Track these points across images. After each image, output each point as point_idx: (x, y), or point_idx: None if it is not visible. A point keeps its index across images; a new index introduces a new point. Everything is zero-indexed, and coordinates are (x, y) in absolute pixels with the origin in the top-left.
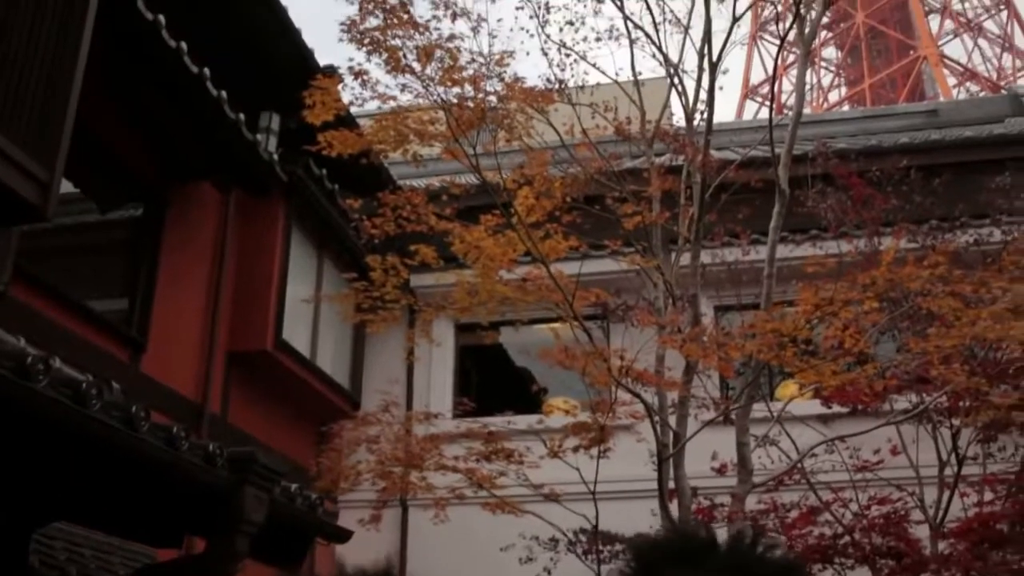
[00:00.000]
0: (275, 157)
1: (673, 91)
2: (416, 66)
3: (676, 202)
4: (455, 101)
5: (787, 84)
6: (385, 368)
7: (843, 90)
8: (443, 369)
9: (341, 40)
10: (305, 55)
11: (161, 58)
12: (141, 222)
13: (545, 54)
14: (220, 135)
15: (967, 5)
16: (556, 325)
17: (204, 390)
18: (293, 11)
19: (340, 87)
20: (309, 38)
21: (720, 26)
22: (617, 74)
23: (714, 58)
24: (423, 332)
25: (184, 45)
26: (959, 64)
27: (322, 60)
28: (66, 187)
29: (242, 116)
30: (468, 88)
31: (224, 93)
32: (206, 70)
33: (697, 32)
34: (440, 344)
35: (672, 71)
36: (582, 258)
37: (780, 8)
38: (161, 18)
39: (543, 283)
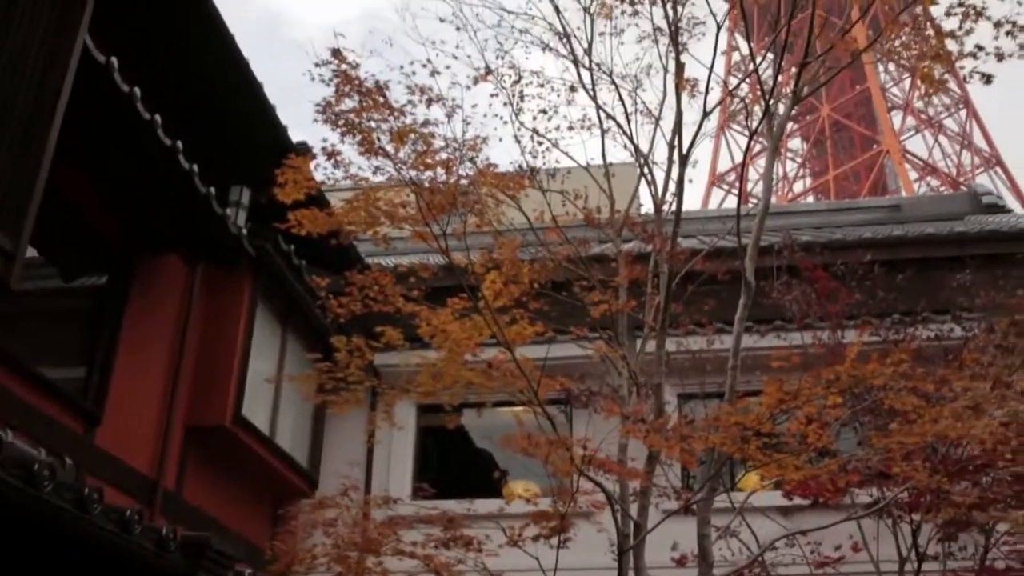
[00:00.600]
0: (244, 231)
1: (642, 180)
2: (389, 148)
3: (643, 291)
4: (427, 185)
5: (754, 172)
6: (345, 448)
7: (808, 181)
8: (403, 451)
9: (316, 120)
10: (279, 132)
11: (135, 129)
12: (104, 291)
13: (518, 141)
14: (190, 208)
15: (928, 103)
16: (519, 409)
17: (160, 465)
18: (269, 86)
19: (313, 165)
20: (284, 113)
21: (691, 118)
22: (588, 164)
23: (684, 150)
24: (385, 414)
25: (158, 118)
26: (920, 159)
27: (297, 135)
28: (29, 252)
29: (212, 190)
30: (440, 172)
31: (196, 166)
32: (179, 143)
33: (668, 123)
34: (402, 427)
35: (642, 161)
36: (548, 342)
37: (749, 103)
38: (137, 90)
39: (508, 369)
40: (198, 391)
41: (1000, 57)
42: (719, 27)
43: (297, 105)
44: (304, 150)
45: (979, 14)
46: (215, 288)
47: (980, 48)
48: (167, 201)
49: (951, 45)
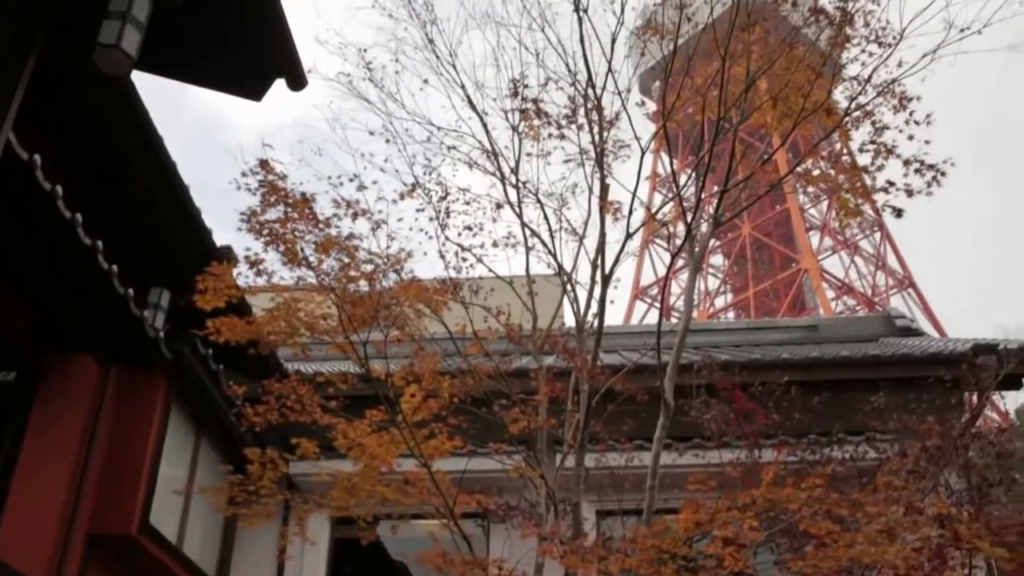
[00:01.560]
0: (161, 335)
1: (565, 298)
2: (313, 260)
3: (563, 408)
4: (349, 297)
5: (676, 287)
6: (256, 561)
7: (729, 296)
8: (316, 566)
9: (240, 229)
10: (203, 236)
11: (55, 227)
12: (11, 389)
13: (442, 256)
14: (106, 309)
15: (845, 225)
16: (436, 524)
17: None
18: (199, 188)
19: (236, 271)
20: (213, 214)
21: (616, 236)
22: (512, 279)
23: (606, 271)
24: (297, 528)
25: (79, 216)
26: (837, 279)
27: (226, 236)
28: None
29: (131, 291)
30: (363, 284)
31: (115, 267)
32: (99, 243)
33: (592, 241)
34: (315, 542)
35: (565, 278)
36: (468, 455)
37: (671, 223)
38: (59, 188)
39: (424, 485)
40: (104, 498)
41: (910, 193)
42: (643, 152)
43: (227, 203)
44: (228, 255)
45: (890, 152)
46: (128, 391)
47: (891, 184)
48: (83, 300)
49: (866, 178)
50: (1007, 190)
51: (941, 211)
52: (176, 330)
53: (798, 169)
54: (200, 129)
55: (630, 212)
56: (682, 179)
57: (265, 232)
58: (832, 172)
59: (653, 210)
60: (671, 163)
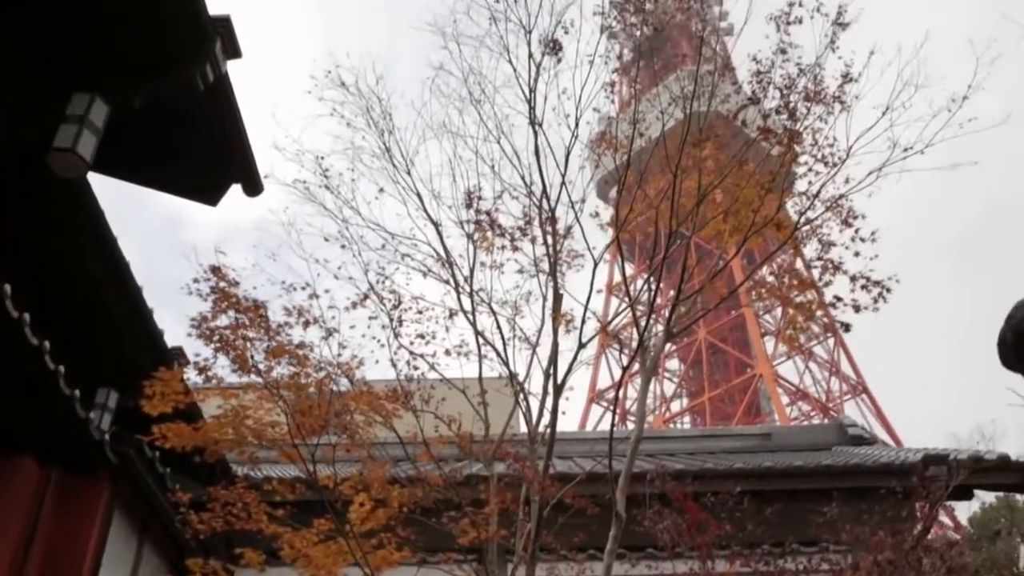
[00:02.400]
0: (106, 437)
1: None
2: (263, 367)
3: (514, 517)
4: (299, 406)
5: (633, 390)
6: None
7: (685, 401)
8: None
9: (190, 335)
10: (155, 338)
11: (1, 328)
12: None
13: (394, 365)
14: (51, 409)
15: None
16: None
17: None
18: (154, 285)
19: (185, 371)
20: (167, 312)
21: (570, 344)
22: (465, 388)
23: (559, 380)
24: None
25: (27, 316)
26: (792, 385)
27: (178, 334)
28: None
29: (77, 392)
30: (313, 392)
31: (62, 367)
32: (46, 343)
33: (545, 350)
34: None
35: (518, 388)
36: (417, 566)
37: (625, 337)
38: (8, 287)
39: None
40: None
41: (856, 308)
42: (596, 263)
43: (184, 299)
44: (179, 357)
45: (837, 268)
46: (69, 494)
47: (839, 299)
48: (27, 401)
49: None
50: (977, 296)
51: (905, 316)
52: (122, 432)
53: (753, 277)
54: (162, 222)
55: (582, 323)
56: (639, 284)
57: (215, 338)
58: (785, 282)
59: (609, 316)
60: (623, 273)
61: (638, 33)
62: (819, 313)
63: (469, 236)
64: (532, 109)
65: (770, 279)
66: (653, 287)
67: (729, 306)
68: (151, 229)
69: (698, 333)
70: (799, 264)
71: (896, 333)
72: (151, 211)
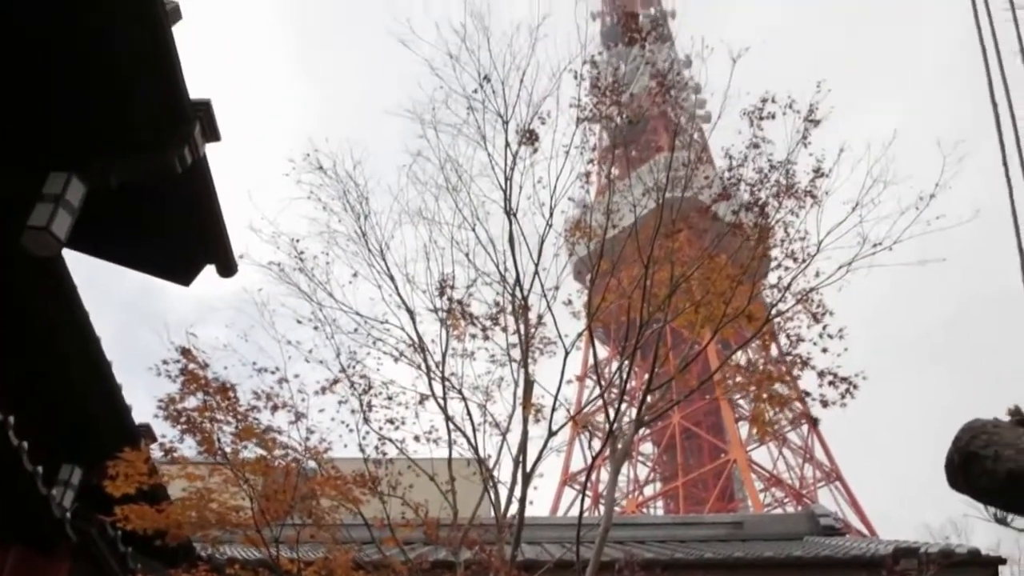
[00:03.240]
0: (68, 515)
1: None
2: (229, 450)
3: None
4: (265, 490)
5: (605, 473)
6: None
7: (658, 485)
8: None
9: (157, 416)
10: (121, 414)
11: None
12: None
13: (362, 450)
14: (12, 486)
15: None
16: None
17: None
18: (125, 356)
19: (154, 445)
20: (136, 385)
21: (541, 431)
22: (434, 476)
23: (527, 468)
24: None
25: None
26: (766, 470)
27: (147, 408)
28: None
29: (40, 468)
30: (280, 477)
31: (26, 443)
32: (11, 418)
33: (515, 436)
34: None
35: (487, 475)
36: None
37: (597, 422)
38: None
39: None
40: None
41: (824, 404)
42: (567, 352)
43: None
44: (146, 433)
45: (805, 363)
46: (29, 571)
47: (807, 394)
48: None
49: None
50: (955, 385)
51: (882, 403)
52: (85, 509)
53: (727, 364)
54: (139, 291)
55: (552, 412)
56: (614, 366)
57: (182, 420)
58: (760, 369)
59: (583, 401)
60: (595, 362)
61: (613, 125)
62: (793, 401)
63: (442, 321)
64: (508, 199)
65: (743, 364)
66: (625, 376)
67: (704, 390)
68: (127, 298)
69: (672, 417)
70: (774, 350)
71: (871, 420)
72: (128, 278)
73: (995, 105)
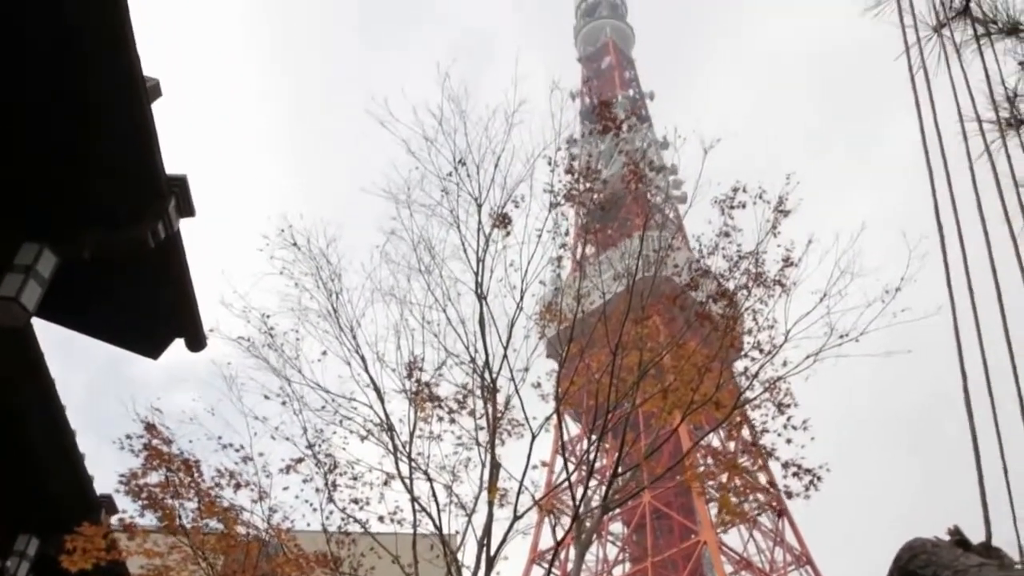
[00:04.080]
0: None
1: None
2: (191, 527)
3: None
4: (225, 569)
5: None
6: None
7: (627, 566)
8: None
9: (118, 491)
10: (83, 485)
11: None
12: None
13: (325, 530)
14: None
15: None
16: None
17: None
18: (94, 423)
19: (112, 521)
20: (103, 454)
21: (507, 512)
22: (397, 559)
23: (492, 552)
24: None
25: None
26: (736, 553)
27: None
28: None
29: None
30: (241, 556)
31: None
32: None
33: (481, 516)
34: None
35: (451, 557)
36: None
37: (565, 500)
38: None
39: None
40: None
41: (789, 495)
42: (534, 436)
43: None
44: (107, 504)
45: (769, 454)
46: None
47: (772, 485)
48: None
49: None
50: (926, 472)
51: (853, 487)
52: None
53: (698, 447)
54: (112, 355)
55: (518, 495)
56: (586, 444)
57: (144, 495)
58: (729, 455)
59: (553, 479)
60: (563, 446)
61: (585, 211)
62: (761, 491)
63: (410, 399)
64: (479, 282)
65: (715, 446)
66: (592, 459)
67: (675, 471)
68: (101, 357)
69: (643, 497)
70: (746, 432)
71: (844, 504)
72: (98, 347)
73: (940, 227)
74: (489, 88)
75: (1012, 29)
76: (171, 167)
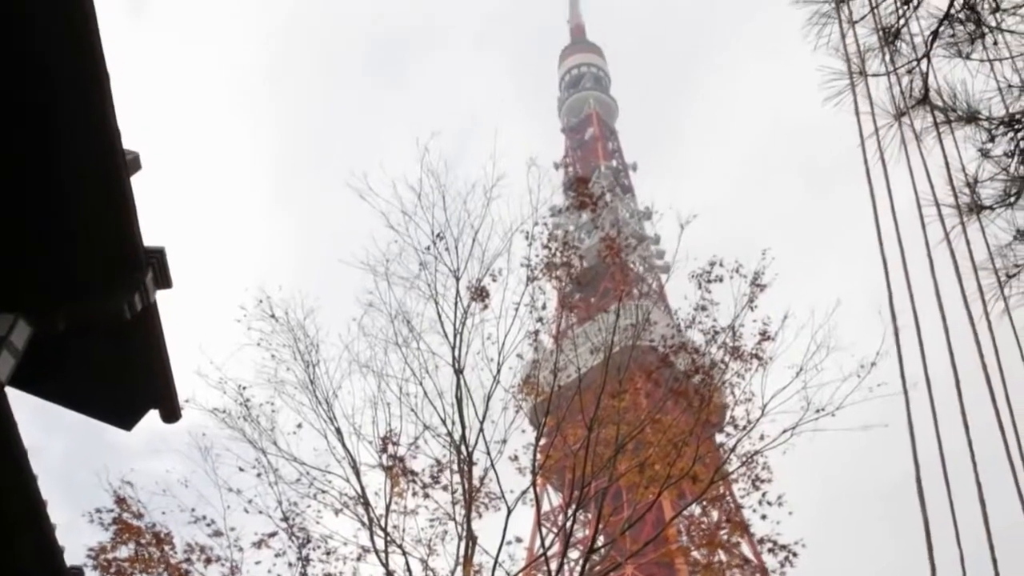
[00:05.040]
0: None
1: None
2: None
3: None
4: None
5: None
6: None
7: None
8: None
9: (85, 564)
10: (52, 557)
11: None
12: None
13: None
14: None
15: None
16: None
17: None
18: (67, 486)
19: None
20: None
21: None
22: None
23: None
24: None
25: None
26: None
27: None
28: None
29: None
30: None
31: None
32: None
33: None
34: None
35: None
36: None
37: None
38: None
39: None
40: None
41: (764, 572)
42: (510, 511)
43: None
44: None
45: (745, 529)
46: None
47: (747, 560)
48: None
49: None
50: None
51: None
52: None
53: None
54: (88, 425)
55: (493, 570)
56: (569, 512)
57: (113, 570)
58: (710, 527)
59: (536, 549)
60: (539, 522)
61: (562, 285)
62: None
63: (386, 471)
64: (456, 357)
65: (696, 515)
66: (569, 531)
67: (658, 543)
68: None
69: (625, 569)
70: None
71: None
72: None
73: (894, 318)
74: (474, 156)
75: (971, 117)
76: (150, 236)
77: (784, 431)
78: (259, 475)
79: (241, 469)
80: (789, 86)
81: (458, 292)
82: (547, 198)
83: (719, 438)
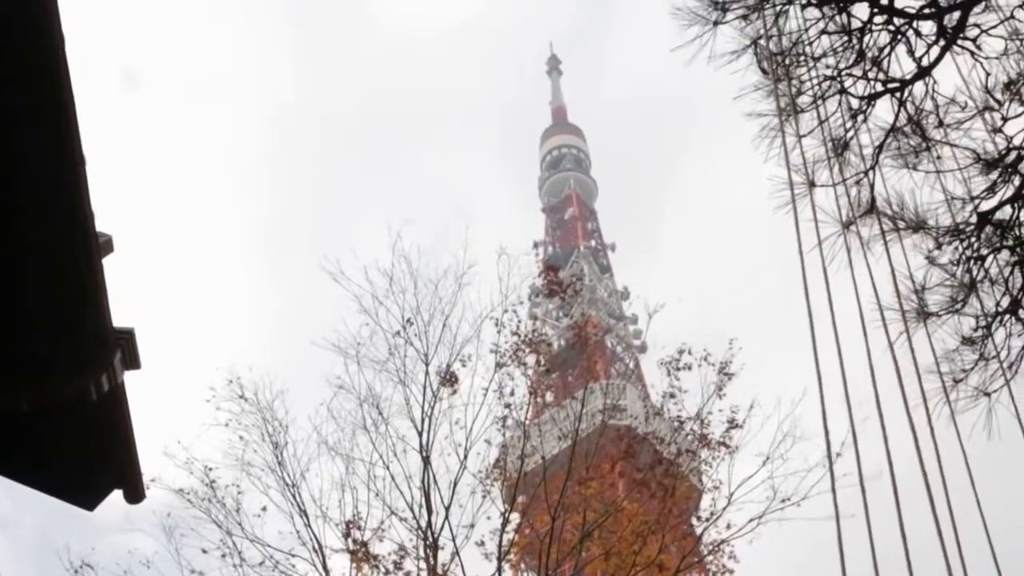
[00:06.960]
0: None
1: None
2: None
3: None
4: None
5: None
6: None
7: None
8: None
9: None
10: None
11: None
12: None
13: None
14: None
15: None
16: None
17: None
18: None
19: None
20: None
21: None
22: None
23: None
24: None
25: None
26: None
27: None
28: None
29: None
30: None
31: None
32: None
33: None
34: None
35: None
36: None
37: None
38: None
39: None
40: None
41: None
42: None
43: None
44: None
45: None
46: None
47: None
48: None
49: None
50: None
51: None
52: None
53: None
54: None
55: None
56: None
57: None
58: None
59: None
60: None
61: (531, 371)
62: None
63: (352, 554)
64: (423, 444)
65: None
66: None
67: None
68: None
69: None
70: None
71: None
72: None
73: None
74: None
75: (918, 226)
76: (122, 317)
77: (751, 520)
78: (223, 556)
79: (204, 551)
80: (764, 171)
81: (427, 377)
82: (517, 285)
83: (693, 521)
